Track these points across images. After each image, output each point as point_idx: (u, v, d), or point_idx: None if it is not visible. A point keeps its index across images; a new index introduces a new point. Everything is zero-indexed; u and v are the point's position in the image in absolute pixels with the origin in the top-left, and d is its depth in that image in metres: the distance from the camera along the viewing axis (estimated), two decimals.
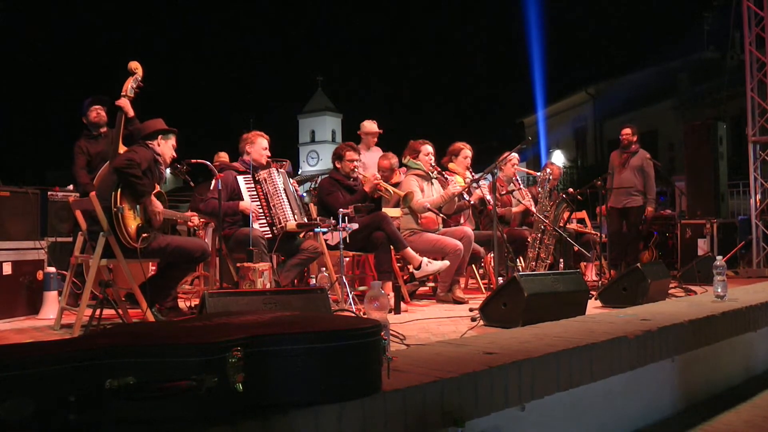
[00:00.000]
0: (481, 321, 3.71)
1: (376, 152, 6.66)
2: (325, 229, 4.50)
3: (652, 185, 7.24)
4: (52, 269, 4.56)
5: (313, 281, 4.23)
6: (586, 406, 2.40)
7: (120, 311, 3.75)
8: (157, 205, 3.95)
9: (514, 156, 5.92)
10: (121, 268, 3.87)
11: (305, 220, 4.58)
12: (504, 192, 6.01)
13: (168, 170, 4.42)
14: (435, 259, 4.87)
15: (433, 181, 5.45)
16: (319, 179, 6.41)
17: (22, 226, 4.69)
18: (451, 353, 2.26)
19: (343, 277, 4.35)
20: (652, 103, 20.09)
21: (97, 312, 3.50)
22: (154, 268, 4.49)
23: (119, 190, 3.76)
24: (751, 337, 3.54)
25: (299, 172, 39.40)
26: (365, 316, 2.21)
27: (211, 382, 1.39)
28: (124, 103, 4.51)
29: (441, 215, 5.22)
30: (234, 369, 1.44)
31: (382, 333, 1.70)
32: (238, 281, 4.06)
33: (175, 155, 4.21)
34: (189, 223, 4.75)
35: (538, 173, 5.93)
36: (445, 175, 5.35)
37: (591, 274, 6.55)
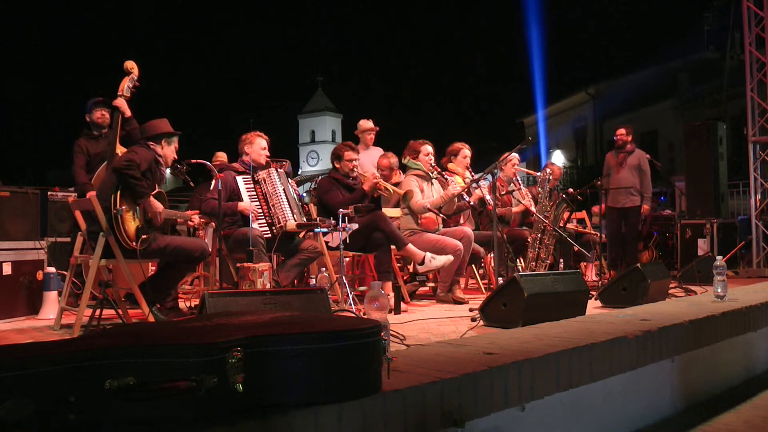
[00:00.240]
0: (481, 321, 3.71)
1: (377, 151, 6.67)
2: (325, 230, 4.50)
3: (648, 184, 7.25)
4: (52, 269, 4.56)
5: (313, 281, 4.24)
6: (586, 406, 2.40)
7: (120, 311, 3.75)
8: (157, 206, 3.95)
9: (515, 156, 5.92)
10: (120, 268, 3.87)
11: (304, 220, 4.58)
12: (504, 192, 6.01)
13: (168, 170, 4.43)
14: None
15: (433, 181, 5.44)
16: (319, 179, 6.42)
17: (22, 226, 4.69)
18: (451, 353, 2.26)
19: (343, 278, 4.34)
20: (652, 103, 20.10)
21: (97, 312, 3.50)
22: (154, 268, 4.49)
23: (119, 191, 3.76)
24: (751, 337, 3.54)
25: (299, 173, 39.42)
26: (365, 317, 2.21)
27: (211, 382, 1.39)
28: (121, 103, 4.51)
29: (441, 215, 5.22)
30: (234, 369, 1.44)
31: (382, 333, 1.70)
32: (237, 281, 4.07)
33: (176, 156, 4.21)
34: (189, 222, 4.75)
35: (539, 173, 5.93)
36: (445, 176, 5.35)
37: (591, 275, 6.55)
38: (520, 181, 6.28)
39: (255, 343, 1.50)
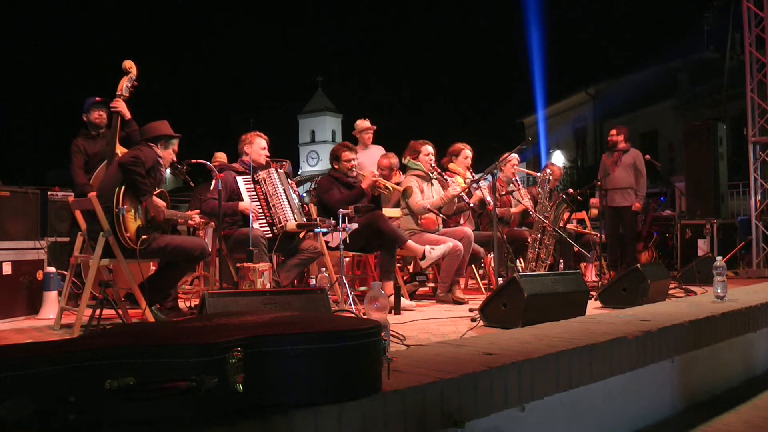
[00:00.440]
0: (481, 321, 3.71)
1: (378, 150, 6.67)
2: (325, 230, 4.50)
3: (642, 183, 7.23)
4: (52, 269, 4.56)
5: (313, 281, 4.24)
6: (585, 406, 2.40)
7: (120, 311, 3.75)
8: (160, 203, 3.95)
9: (514, 156, 5.92)
10: (121, 268, 3.87)
11: (305, 220, 4.58)
12: (504, 192, 6.01)
13: (168, 171, 4.43)
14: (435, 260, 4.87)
15: (433, 181, 5.44)
16: (318, 179, 6.43)
17: (22, 226, 4.69)
18: (451, 354, 2.26)
19: (343, 278, 4.35)
20: (652, 104, 20.11)
21: (97, 312, 3.50)
22: (154, 268, 4.49)
23: (122, 189, 3.77)
24: (750, 337, 3.54)
25: (299, 173, 39.44)
26: (365, 317, 2.21)
27: (211, 382, 1.39)
28: (122, 107, 4.53)
29: (441, 216, 5.22)
30: (234, 369, 1.44)
31: (382, 333, 1.70)
32: (238, 281, 4.06)
33: (174, 159, 4.22)
34: (190, 222, 4.75)
35: (539, 174, 5.93)
36: (445, 176, 5.35)
37: (591, 275, 6.55)
38: (519, 182, 6.28)
39: (255, 343, 1.50)
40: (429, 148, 5.38)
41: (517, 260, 5.79)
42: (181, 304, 4.48)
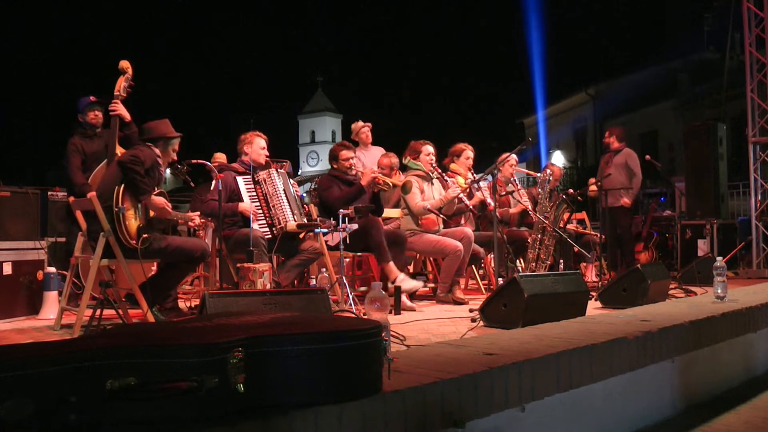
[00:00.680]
0: (481, 322, 3.71)
1: (378, 151, 6.68)
2: (325, 230, 4.50)
3: (636, 182, 7.15)
4: (53, 269, 4.56)
5: (314, 282, 4.24)
6: (586, 406, 2.41)
7: (120, 312, 3.75)
8: (159, 201, 3.95)
9: (512, 157, 5.92)
10: (121, 268, 3.87)
11: (305, 220, 4.58)
12: (504, 193, 6.01)
13: (168, 171, 4.43)
14: (435, 259, 4.87)
15: (434, 181, 5.44)
16: (319, 179, 6.43)
17: (22, 226, 4.70)
18: (451, 354, 2.26)
19: (343, 278, 4.35)
20: (652, 104, 20.10)
21: (97, 312, 3.50)
22: (155, 268, 4.50)
23: (121, 189, 3.77)
24: (751, 338, 3.54)
25: (299, 173, 39.44)
26: (365, 317, 2.22)
27: (212, 382, 1.39)
28: (121, 109, 4.55)
29: (441, 216, 5.22)
30: (235, 369, 1.44)
31: (383, 334, 1.70)
32: (238, 282, 4.07)
33: (175, 158, 4.21)
34: (190, 223, 4.76)
35: (539, 174, 5.93)
36: (446, 176, 5.35)
37: (591, 275, 6.55)
38: (517, 182, 6.27)
39: (256, 344, 1.50)
40: (429, 148, 5.38)
41: (517, 260, 5.80)
42: (182, 305, 4.48)
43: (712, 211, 7.36)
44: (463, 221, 5.70)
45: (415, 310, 4.53)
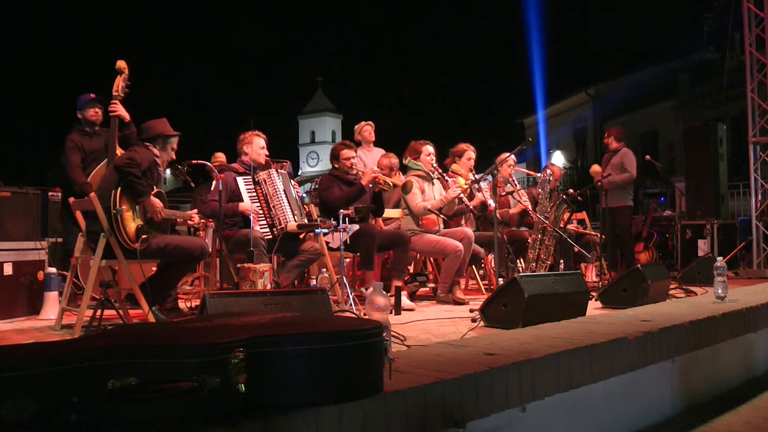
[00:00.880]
0: (482, 322, 3.71)
1: (378, 152, 6.68)
2: (325, 230, 4.50)
3: (626, 177, 7.02)
4: (53, 270, 4.56)
5: (314, 282, 4.24)
6: (586, 406, 2.41)
7: (120, 312, 3.75)
8: (157, 203, 3.95)
9: (511, 157, 5.92)
10: (122, 268, 3.87)
11: (305, 221, 4.58)
12: (503, 193, 6.01)
13: (168, 171, 4.43)
14: (436, 260, 4.87)
15: (434, 181, 5.45)
16: (319, 179, 6.43)
17: (23, 226, 4.70)
18: (451, 354, 2.26)
19: (344, 278, 4.35)
20: (652, 104, 20.09)
21: (98, 313, 3.51)
22: (155, 268, 4.50)
23: (119, 190, 3.76)
24: (751, 338, 3.54)
25: (299, 173, 39.46)
26: (366, 317, 2.22)
27: (213, 382, 1.39)
28: (121, 110, 4.54)
29: (442, 216, 5.22)
30: (236, 370, 1.44)
31: (384, 334, 1.71)
32: (238, 282, 4.07)
33: (174, 157, 4.21)
34: (189, 221, 4.76)
35: (539, 174, 5.92)
36: (446, 177, 5.35)
37: (591, 275, 6.55)
38: (516, 182, 6.27)
39: (257, 344, 1.50)
40: (430, 148, 5.38)
41: (518, 261, 5.80)
42: (182, 305, 4.48)
43: (712, 211, 7.36)
44: (463, 222, 5.70)
45: (414, 310, 4.52)
